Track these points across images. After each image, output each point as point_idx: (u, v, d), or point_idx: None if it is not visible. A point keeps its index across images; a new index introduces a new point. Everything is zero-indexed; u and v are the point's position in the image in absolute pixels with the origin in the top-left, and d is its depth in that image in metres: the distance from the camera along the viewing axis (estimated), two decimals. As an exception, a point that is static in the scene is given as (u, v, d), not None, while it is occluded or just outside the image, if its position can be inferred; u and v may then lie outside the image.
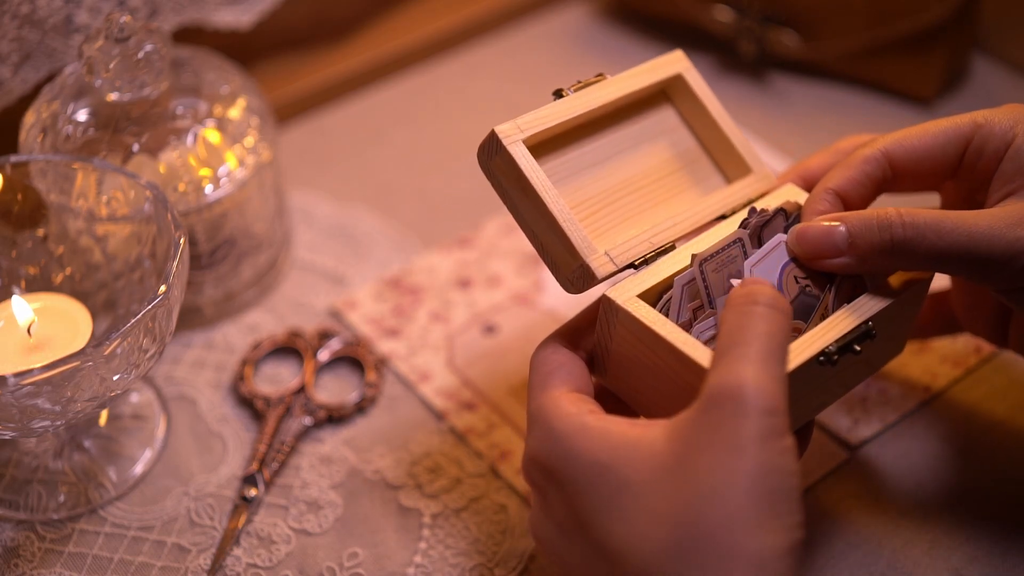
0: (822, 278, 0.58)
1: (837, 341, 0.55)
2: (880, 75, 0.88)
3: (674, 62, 0.65)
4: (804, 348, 0.54)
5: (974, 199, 0.60)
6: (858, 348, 0.55)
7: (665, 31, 0.95)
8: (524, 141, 0.59)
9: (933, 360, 0.70)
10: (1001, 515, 0.63)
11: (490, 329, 0.74)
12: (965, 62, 0.90)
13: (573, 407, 0.53)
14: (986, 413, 0.68)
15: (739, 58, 0.92)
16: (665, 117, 0.65)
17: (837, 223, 0.56)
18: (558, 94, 0.61)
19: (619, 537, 0.49)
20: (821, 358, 0.54)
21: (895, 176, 0.59)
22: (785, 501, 0.47)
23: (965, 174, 0.59)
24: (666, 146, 0.65)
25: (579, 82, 0.62)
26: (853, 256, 0.56)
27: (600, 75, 0.63)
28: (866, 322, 0.56)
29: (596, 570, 0.50)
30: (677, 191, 0.63)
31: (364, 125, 0.89)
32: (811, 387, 0.56)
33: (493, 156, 0.59)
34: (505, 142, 0.58)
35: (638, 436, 0.50)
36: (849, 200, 0.59)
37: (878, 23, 0.86)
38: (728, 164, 0.64)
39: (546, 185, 0.58)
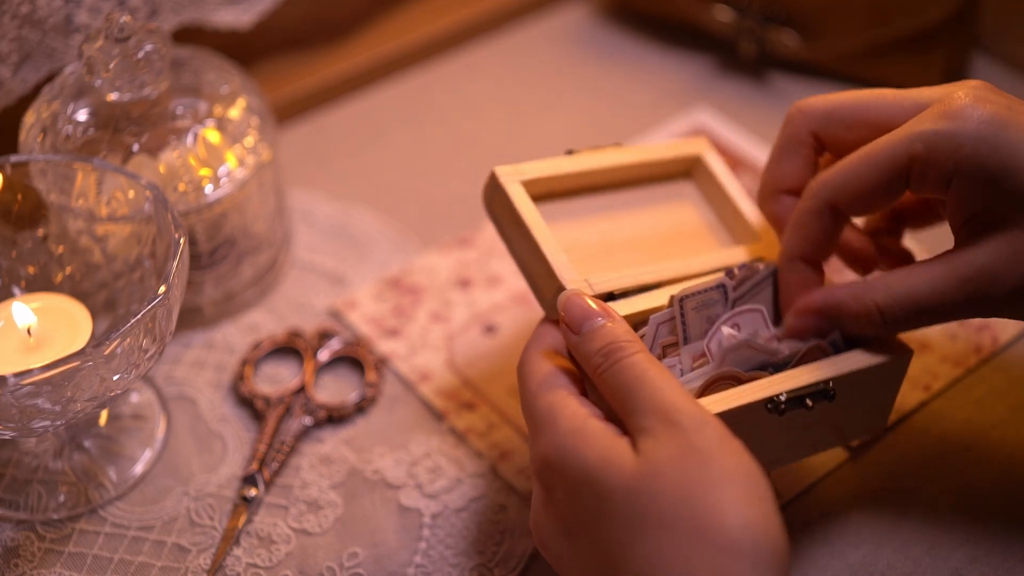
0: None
1: (790, 392, 0.55)
2: (880, 75, 0.88)
3: (696, 144, 0.66)
4: (756, 391, 0.55)
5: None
6: (810, 403, 0.55)
7: (665, 31, 0.95)
8: (528, 183, 0.60)
9: (933, 360, 0.70)
10: (1001, 515, 0.63)
11: (490, 329, 0.74)
12: (965, 62, 0.90)
13: (581, 408, 0.53)
14: (986, 413, 0.68)
15: (739, 58, 0.92)
16: (683, 188, 0.67)
17: (820, 317, 0.58)
18: (570, 152, 0.63)
19: (613, 545, 0.49)
20: (769, 404, 0.55)
21: (848, 213, 0.59)
22: (765, 500, 0.48)
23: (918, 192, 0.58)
24: (686, 213, 0.66)
25: (596, 146, 0.64)
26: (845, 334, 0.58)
27: (617, 143, 0.64)
28: (826, 381, 0.56)
29: (592, 569, 0.51)
30: (684, 253, 0.63)
31: (364, 125, 0.89)
32: (761, 434, 0.56)
33: (493, 195, 0.61)
34: (502, 180, 0.60)
35: (613, 447, 0.51)
36: (818, 257, 0.59)
37: (878, 23, 0.86)
38: (742, 233, 0.65)
39: (535, 217, 0.59)
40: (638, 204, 0.65)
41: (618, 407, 0.52)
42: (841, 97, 0.60)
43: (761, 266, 0.60)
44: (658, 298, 0.59)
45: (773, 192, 0.61)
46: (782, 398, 0.55)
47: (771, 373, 0.57)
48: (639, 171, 0.65)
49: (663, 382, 0.51)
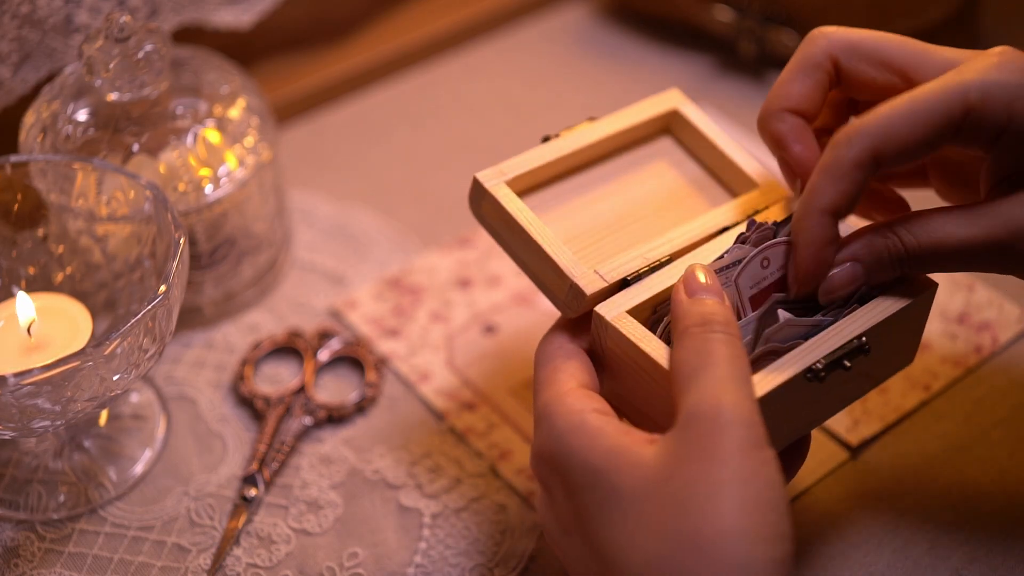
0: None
1: (826, 357, 0.54)
2: (880, 75, 0.88)
3: (669, 99, 0.65)
4: (792, 363, 0.54)
5: (965, 167, 0.59)
6: (848, 364, 0.54)
7: (665, 31, 0.95)
8: (510, 182, 0.60)
9: (933, 360, 0.70)
10: (1001, 515, 0.63)
11: (490, 329, 0.74)
12: (965, 62, 0.90)
13: (578, 403, 0.53)
14: (986, 413, 0.68)
15: (739, 58, 0.92)
16: (666, 147, 0.65)
17: (854, 262, 0.55)
18: (546, 139, 0.62)
19: (611, 542, 0.49)
20: (808, 375, 0.54)
21: (888, 164, 0.55)
22: (772, 511, 0.47)
23: (957, 147, 0.56)
24: (671, 173, 0.65)
25: (570, 126, 0.63)
26: (868, 285, 0.56)
27: (591, 118, 0.64)
28: (859, 337, 0.55)
29: (591, 569, 0.51)
30: (687, 215, 0.62)
31: (364, 125, 0.89)
32: (801, 403, 0.55)
33: (480, 202, 0.60)
34: (487, 186, 0.59)
35: (628, 445, 0.50)
36: (847, 213, 0.56)
37: (878, 23, 0.85)
38: (735, 183, 0.64)
39: (529, 216, 0.58)
40: (624, 173, 0.64)
41: (675, 377, 0.51)
42: (864, 32, 0.58)
43: (770, 222, 0.58)
44: (672, 273, 0.58)
45: (778, 109, 0.58)
46: (820, 365, 0.53)
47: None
48: (619, 140, 0.64)
49: (725, 371, 0.49)
